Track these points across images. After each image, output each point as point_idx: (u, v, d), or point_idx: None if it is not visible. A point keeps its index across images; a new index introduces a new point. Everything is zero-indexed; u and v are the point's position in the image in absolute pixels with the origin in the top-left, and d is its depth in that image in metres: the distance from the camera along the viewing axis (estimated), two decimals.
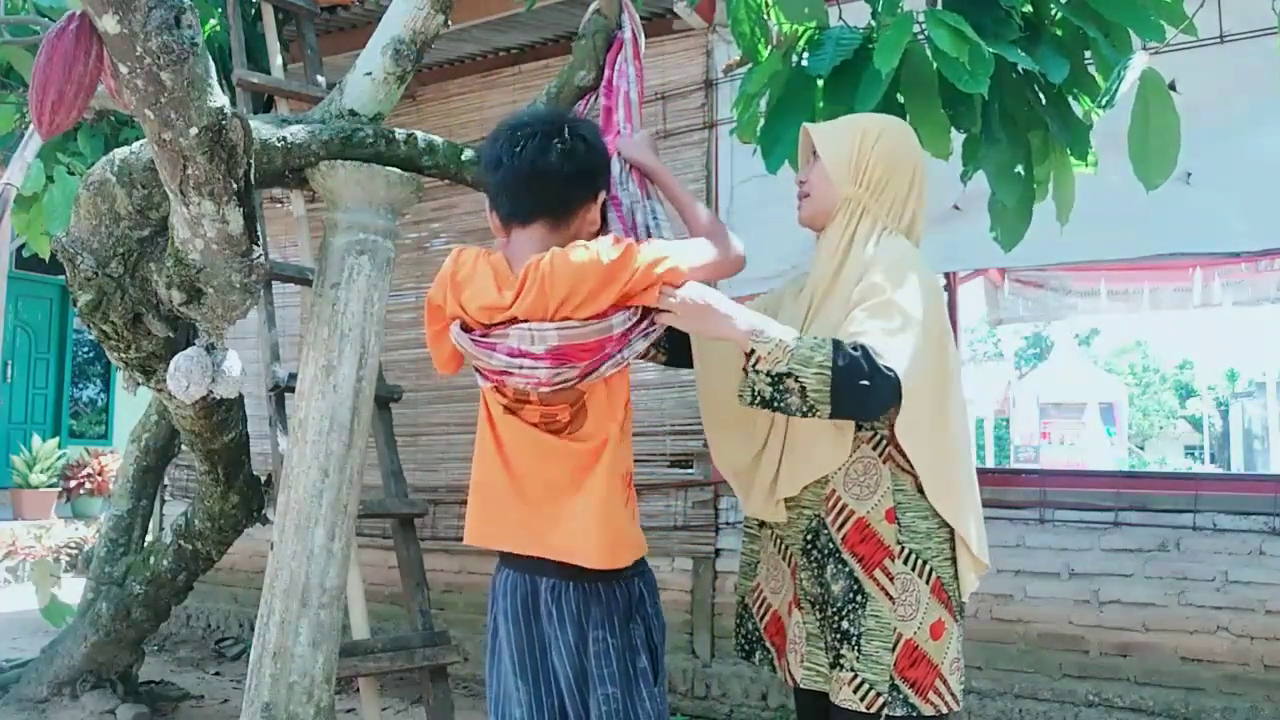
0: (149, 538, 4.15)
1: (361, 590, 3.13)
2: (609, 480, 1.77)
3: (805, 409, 1.59)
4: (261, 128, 2.24)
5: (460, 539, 4.51)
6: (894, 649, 1.63)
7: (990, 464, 16.48)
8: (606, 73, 2.32)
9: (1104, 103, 1.88)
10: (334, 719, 2.28)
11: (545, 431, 1.82)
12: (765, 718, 4.06)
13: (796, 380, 1.57)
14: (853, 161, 1.80)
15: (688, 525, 4.27)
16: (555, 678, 1.79)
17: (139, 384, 2.56)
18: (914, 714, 1.62)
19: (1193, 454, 30.49)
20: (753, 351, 1.62)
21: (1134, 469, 17.64)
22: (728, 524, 4.25)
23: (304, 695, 2.20)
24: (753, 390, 1.63)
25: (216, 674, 4.90)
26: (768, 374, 1.60)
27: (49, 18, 3.43)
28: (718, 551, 4.27)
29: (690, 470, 4.32)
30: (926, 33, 2.00)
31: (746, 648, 1.92)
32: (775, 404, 1.61)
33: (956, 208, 3.46)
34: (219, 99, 1.86)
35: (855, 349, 1.58)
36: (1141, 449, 28.91)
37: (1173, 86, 1.99)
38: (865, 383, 1.56)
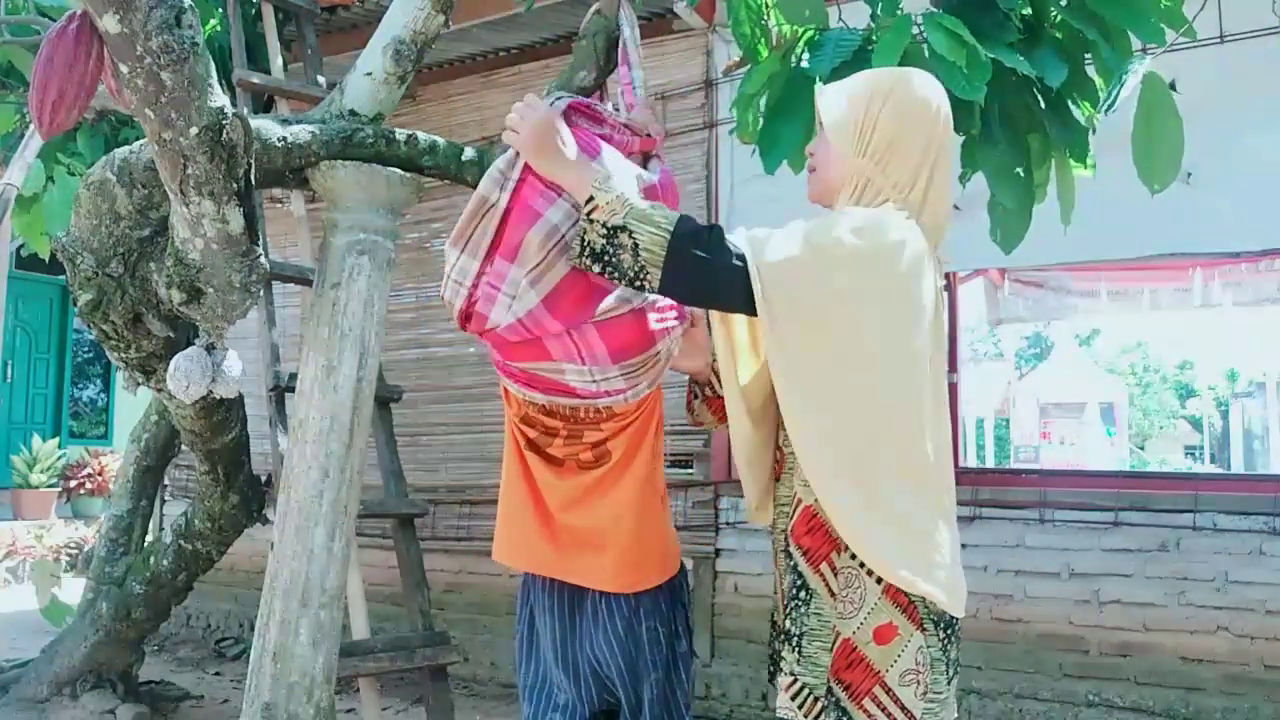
0: (149, 538, 4.15)
1: (361, 590, 3.13)
2: (646, 508, 1.86)
3: (636, 270, 1.48)
4: (262, 128, 2.24)
5: (460, 539, 4.53)
6: (831, 648, 1.49)
7: (990, 464, 16.48)
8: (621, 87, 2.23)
9: (1106, 108, 1.88)
10: (334, 719, 2.27)
11: (572, 463, 1.88)
12: (765, 718, 4.06)
13: (631, 236, 1.47)
14: (857, 127, 1.58)
15: (688, 525, 4.28)
16: (593, 671, 1.87)
17: (139, 384, 2.56)
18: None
19: (1193, 454, 30.46)
20: (591, 199, 1.52)
21: (1134, 469, 17.64)
22: (728, 524, 4.25)
23: (304, 695, 2.20)
24: (583, 241, 1.52)
25: (216, 674, 4.90)
26: (603, 225, 1.50)
27: (49, 17, 3.43)
28: (718, 551, 4.27)
29: (690, 470, 4.32)
30: (925, 35, 2.00)
31: (770, 669, 1.73)
32: (606, 259, 1.50)
33: (956, 208, 3.45)
34: (219, 99, 1.86)
35: (705, 225, 1.49)
36: (1141, 449, 28.88)
37: (1173, 86, 2.00)
38: (703, 254, 1.45)
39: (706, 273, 1.47)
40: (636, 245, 1.47)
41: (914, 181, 1.58)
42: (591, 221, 1.51)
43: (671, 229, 1.47)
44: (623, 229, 1.48)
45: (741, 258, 1.46)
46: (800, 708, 1.49)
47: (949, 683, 1.52)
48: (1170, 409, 33.99)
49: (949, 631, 1.53)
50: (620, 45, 2.34)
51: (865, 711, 1.46)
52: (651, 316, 1.75)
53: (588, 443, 1.87)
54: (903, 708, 1.46)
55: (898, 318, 1.51)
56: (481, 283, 1.69)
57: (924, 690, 1.48)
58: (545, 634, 1.90)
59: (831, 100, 1.64)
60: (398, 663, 3.10)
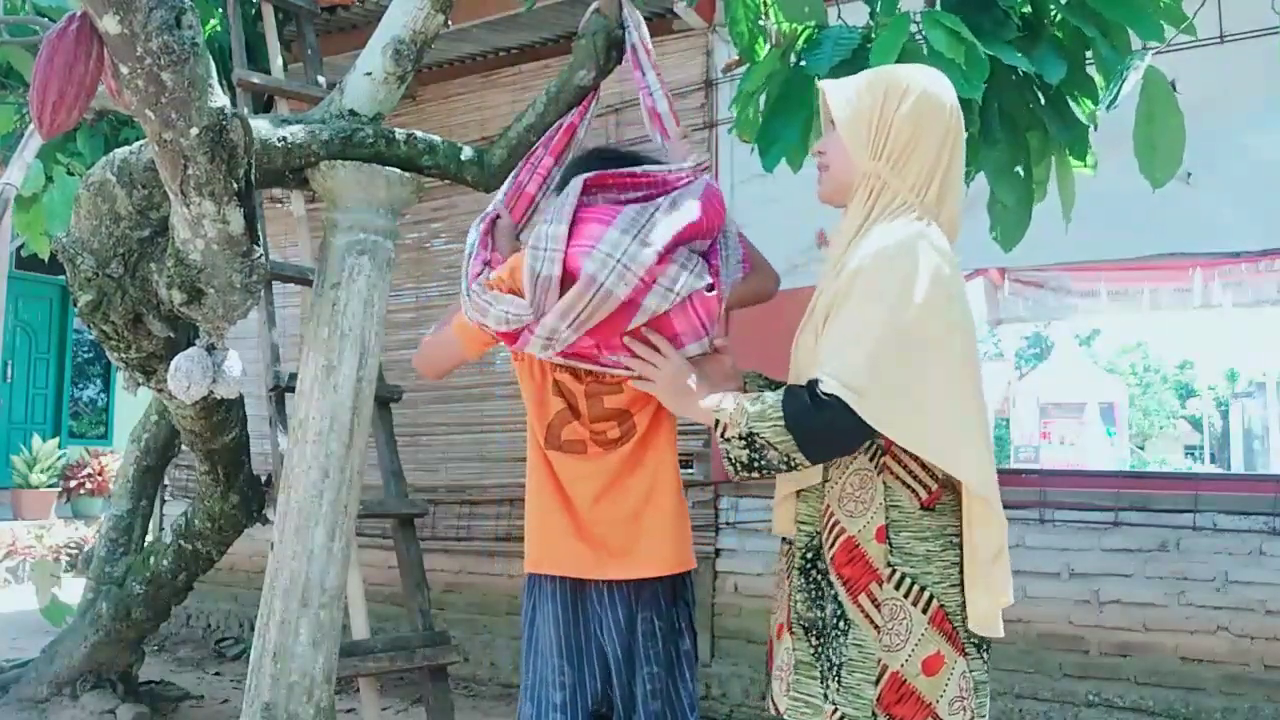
0: (149, 538, 4.15)
1: (361, 590, 3.13)
2: (671, 489, 1.92)
3: (784, 460, 1.52)
4: (262, 128, 2.24)
5: (460, 539, 4.55)
6: (877, 682, 1.48)
7: None
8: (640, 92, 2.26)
9: (1108, 104, 1.88)
10: (334, 719, 2.27)
11: (595, 446, 1.90)
12: (765, 718, 4.05)
13: (760, 436, 1.51)
14: (872, 129, 1.56)
15: None
16: (599, 659, 1.89)
17: (139, 384, 2.56)
18: None
19: (1193, 454, 30.46)
20: (718, 422, 1.58)
21: (1134, 469, 17.63)
22: (728, 524, 4.25)
23: (304, 695, 2.20)
24: (729, 458, 1.57)
25: (216, 674, 4.90)
26: (738, 437, 1.54)
27: (49, 18, 3.43)
28: (718, 551, 4.27)
29: (690, 470, 4.32)
30: (924, 33, 2.00)
31: (766, 678, 1.79)
32: (757, 464, 1.54)
33: None
34: (219, 99, 1.86)
35: (803, 387, 1.51)
36: (1142, 449, 28.87)
37: (1172, 86, 2.00)
38: (818, 421, 1.48)
39: (828, 429, 1.49)
40: (769, 442, 1.51)
41: (929, 182, 1.57)
42: (728, 440, 1.55)
43: (782, 413, 1.50)
44: (751, 434, 1.52)
45: (833, 398, 1.46)
46: None
47: (988, 700, 1.56)
48: (1170, 409, 34.00)
49: (985, 652, 1.57)
50: (629, 50, 2.36)
51: None
52: (679, 319, 1.74)
53: (612, 409, 1.89)
54: None
55: (966, 338, 1.53)
56: (525, 329, 1.75)
57: (971, 716, 1.51)
58: (549, 624, 1.91)
59: (842, 98, 1.60)
60: (398, 663, 3.10)
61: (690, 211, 1.72)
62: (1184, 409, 34.10)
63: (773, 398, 1.53)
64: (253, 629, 2.32)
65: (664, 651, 1.89)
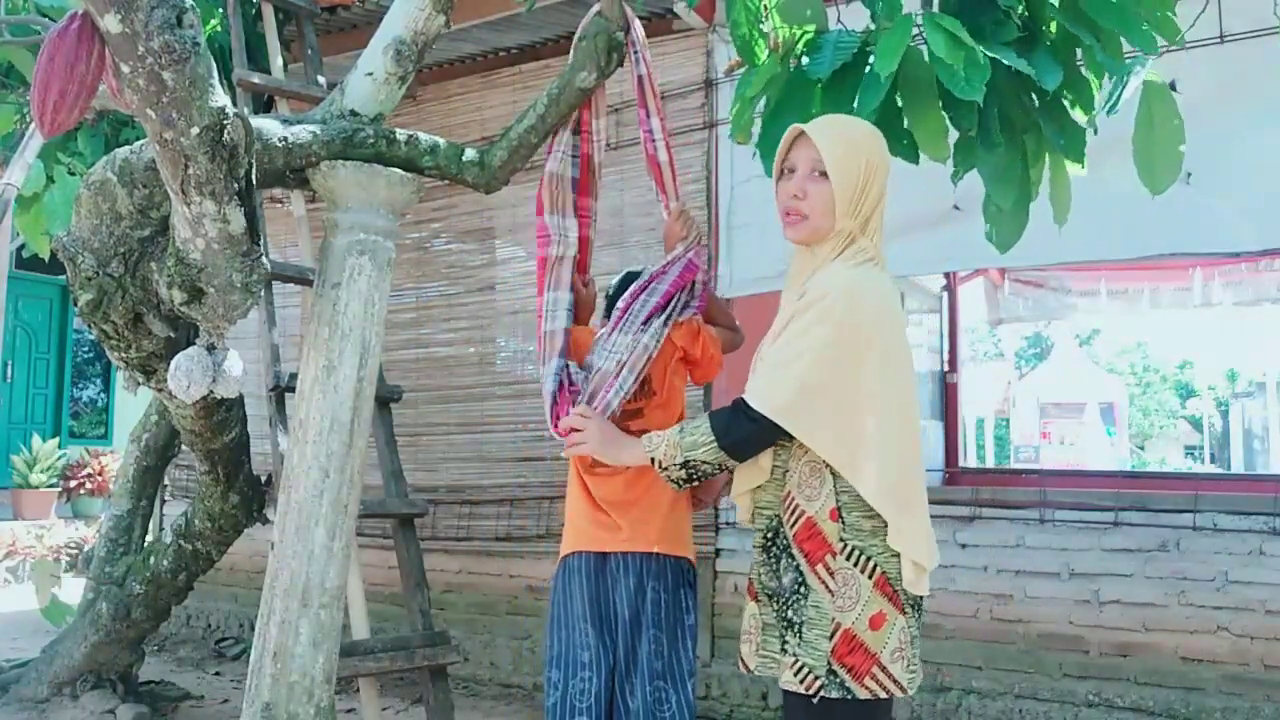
0: (149, 538, 4.16)
1: (361, 590, 3.14)
2: (665, 486, 2.17)
3: (719, 470, 1.91)
4: (262, 128, 2.24)
5: (460, 539, 4.60)
6: (831, 637, 1.76)
7: (990, 464, 16.47)
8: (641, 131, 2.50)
9: (1108, 109, 1.89)
10: (334, 719, 2.28)
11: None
12: (765, 718, 4.06)
13: (695, 461, 1.88)
14: (855, 191, 1.84)
15: None
16: (618, 621, 2.21)
17: (139, 384, 2.56)
18: (849, 697, 1.74)
19: (1193, 454, 30.44)
20: (654, 460, 1.92)
21: (1134, 469, 17.63)
22: (727, 524, 4.25)
23: (304, 695, 2.20)
24: (672, 480, 1.94)
25: (216, 674, 4.90)
26: (675, 467, 1.90)
27: (50, 17, 3.43)
28: (718, 551, 4.27)
29: None
30: (925, 35, 2.00)
31: (747, 641, 2.01)
32: (693, 480, 1.93)
33: (956, 208, 3.46)
34: (220, 99, 1.87)
35: (731, 405, 1.85)
36: (1142, 449, 28.86)
37: (1172, 86, 2.00)
38: (743, 432, 1.84)
39: (754, 439, 1.85)
40: (705, 462, 1.88)
41: (878, 231, 1.90)
42: (665, 470, 1.92)
43: (715, 438, 1.86)
44: (687, 461, 1.89)
45: (754, 411, 1.81)
46: (802, 683, 1.78)
47: (918, 654, 1.83)
48: (1170, 409, 33.98)
49: (918, 611, 1.85)
50: (635, 83, 2.42)
51: (866, 689, 1.75)
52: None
53: (630, 420, 2.26)
54: (894, 680, 1.76)
55: (890, 368, 1.81)
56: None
57: (908, 664, 1.79)
58: (578, 593, 2.23)
59: (840, 165, 1.84)
60: (398, 663, 3.11)
61: (664, 292, 2.26)
62: (1184, 409, 34.08)
63: (699, 427, 1.88)
64: (253, 629, 2.33)
65: (668, 619, 2.20)
